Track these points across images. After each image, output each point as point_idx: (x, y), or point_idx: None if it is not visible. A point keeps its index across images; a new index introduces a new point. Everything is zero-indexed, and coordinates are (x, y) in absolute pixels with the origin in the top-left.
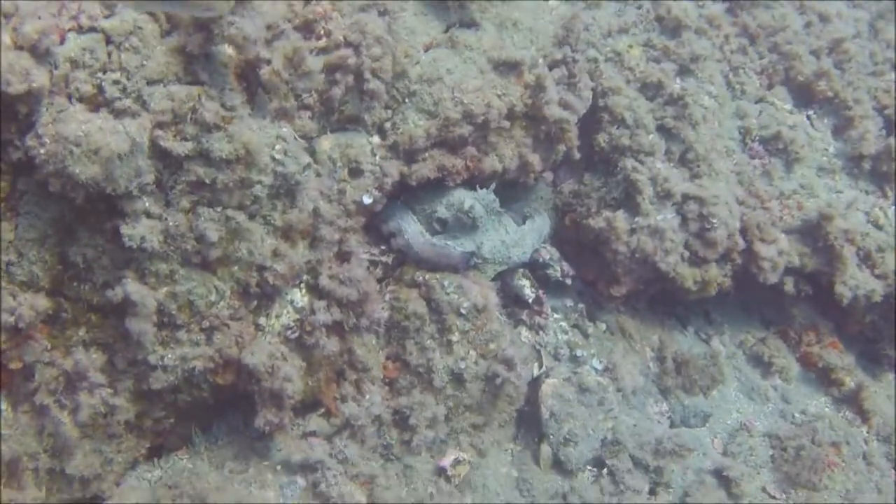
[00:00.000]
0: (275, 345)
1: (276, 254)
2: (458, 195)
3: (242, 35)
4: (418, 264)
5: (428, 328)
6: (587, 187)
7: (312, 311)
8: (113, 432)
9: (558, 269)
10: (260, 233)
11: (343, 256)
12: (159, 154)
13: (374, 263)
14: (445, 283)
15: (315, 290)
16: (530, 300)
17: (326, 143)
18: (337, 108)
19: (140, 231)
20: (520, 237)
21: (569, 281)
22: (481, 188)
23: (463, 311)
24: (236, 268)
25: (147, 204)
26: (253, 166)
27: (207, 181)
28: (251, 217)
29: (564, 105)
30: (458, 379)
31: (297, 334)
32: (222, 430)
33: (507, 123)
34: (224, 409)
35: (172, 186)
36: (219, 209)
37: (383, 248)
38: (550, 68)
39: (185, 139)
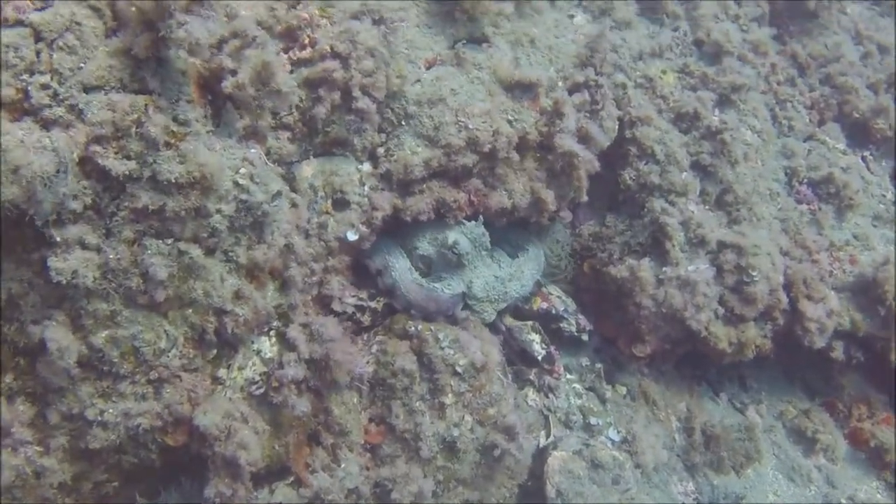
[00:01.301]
0: (236, 402)
1: (238, 296)
2: (441, 230)
3: (191, 39)
4: (407, 309)
5: (418, 388)
6: (610, 230)
7: (281, 365)
8: (44, 496)
9: (573, 322)
10: (219, 271)
11: (324, 301)
12: (98, 174)
13: (360, 309)
14: (440, 335)
15: (286, 341)
16: (540, 357)
17: (308, 170)
18: (321, 129)
19: (72, 264)
20: (515, 269)
21: (585, 337)
22: (469, 221)
23: (459, 370)
24: (190, 311)
25: (81, 232)
26: (211, 192)
27: (154, 208)
28: (208, 252)
29: (583, 136)
30: (450, 448)
31: (262, 390)
32: (173, 497)
33: (517, 156)
34: (177, 473)
35: (114, 213)
36: (169, 241)
37: (372, 291)
38: (571, 93)
39: (128, 157)
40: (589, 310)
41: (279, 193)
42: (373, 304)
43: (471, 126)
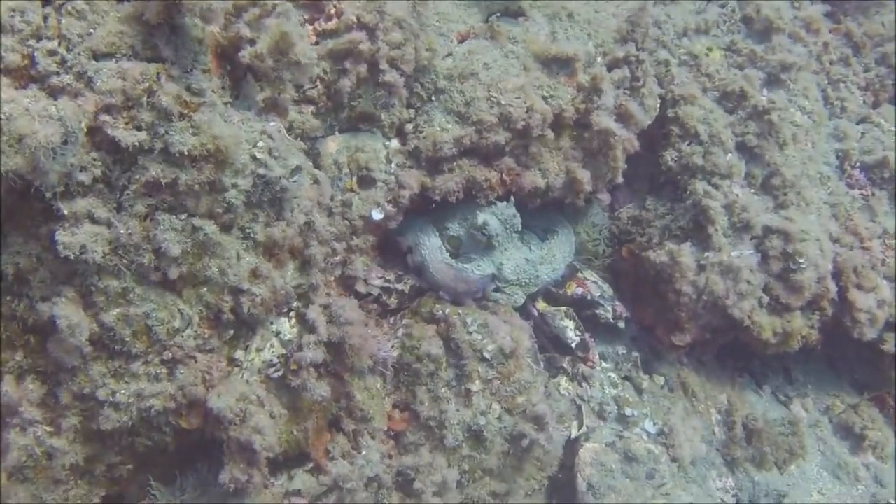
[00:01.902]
0: (254, 384)
1: (255, 275)
2: (473, 210)
3: (205, 5)
4: (434, 289)
5: (444, 374)
6: (650, 213)
7: (300, 347)
8: (57, 477)
9: (609, 309)
10: (235, 248)
11: (347, 282)
12: (107, 145)
13: (387, 291)
14: (469, 319)
15: (306, 322)
16: (574, 345)
17: (333, 145)
18: (346, 103)
19: (80, 239)
20: (547, 252)
21: (622, 324)
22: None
23: (487, 356)
24: (205, 289)
25: (90, 206)
26: (226, 166)
27: (166, 181)
28: (224, 229)
29: (623, 114)
30: (476, 437)
31: (280, 373)
32: (189, 482)
33: (552, 134)
34: (193, 457)
35: (125, 186)
36: (182, 217)
37: (399, 273)
38: (610, 69)
39: (139, 128)
40: (627, 296)
41: (299, 168)
42: (399, 287)
43: (503, 102)
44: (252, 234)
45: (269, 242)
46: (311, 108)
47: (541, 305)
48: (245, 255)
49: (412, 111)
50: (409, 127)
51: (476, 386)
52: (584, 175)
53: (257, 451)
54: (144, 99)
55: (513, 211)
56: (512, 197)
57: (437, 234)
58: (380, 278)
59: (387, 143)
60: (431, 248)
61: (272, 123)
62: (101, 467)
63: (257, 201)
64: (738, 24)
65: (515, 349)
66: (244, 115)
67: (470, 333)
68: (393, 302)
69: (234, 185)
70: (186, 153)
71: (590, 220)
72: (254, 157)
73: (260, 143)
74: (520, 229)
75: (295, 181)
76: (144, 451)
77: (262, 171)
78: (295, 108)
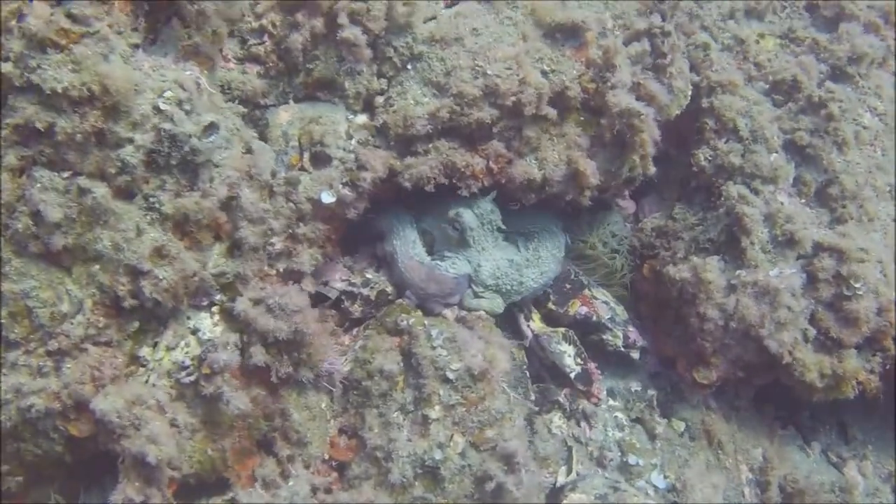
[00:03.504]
0: (159, 389)
1: (159, 254)
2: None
3: None
4: (402, 287)
5: (399, 395)
6: (677, 223)
7: (215, 347)
8: None
9: (620, 334)
10: (135, 220)
11: (293, 277)
12: None
13: (350, 297)
14: (434, 332)
15: (232, 318)
16: (573, 375)
17: (285, 116)
18: (301, 65)
19: None
20: (532, 254)
21: (635, 354)
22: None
23: (450, 376)
24: (97, 267)
25: None
26: (119, 115)
27: (41, 127)
28: (121, 194)
29: (642, 97)
30: (432, 474)
31: (193, 378)
32: (93, 499)
33: (553, 112)
34: (101, 472)
35: None
36: (65, 175)
37: (368, 276)
38: (628, 43)
39: (7, 59)
40: (648, 323)
41: (214, 127)
42: (365, 292)
43: (490, 72)
44: (157, 205)
45: (180, 216)
46: (257, 67)
47: (537, 324)
48: (148, 230)
49: (384, 81)
50: (380, 100)
51: (435, 412)
52: (587, 166)
53: (155, 466)
54: (14, 23)
55: (490, 206)
56: (494, 190)
57: (415, 225)
58: (343, 280)
59: (351, 116)
60: (405, 238)
61: (188, 73)
62: None
63: (164, 164)
64: (800, 12)
65: (487, 371)
66: (157, 62)
67: (434, 348)
68: (356, 309)
69: (131, 141)
70: (62, 93)
71: (607, 229)
72: (157, 109)
73: (168, 93)
74: (502, 227)
75: (210, 142)
76: (34, 461)
77: (167, 125)
78: (238, 67)
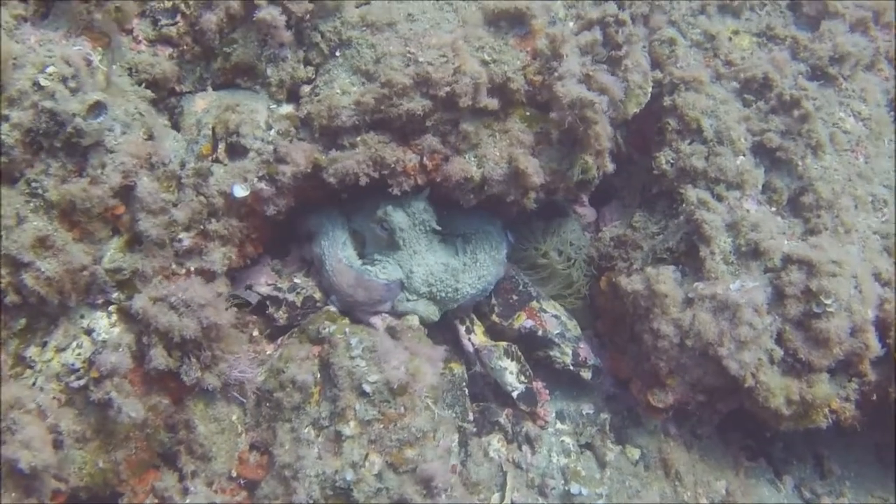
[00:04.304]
0: (50, 392)
1: (43, 244)
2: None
3: None
4: (328, 292)
5: (312, 409)
6: (637, 233)
7: (104, 348)
8: None
9: (569, 351)
10: (15, 206)
11: (204, 278)
12: None
13: (275, 302)
14: (353, 340)
15: (131, 318)
16: (515, 394)
17: (202, 104)
18: (218, 48)
19: None
20: (470, 257)
21: (586, 374)
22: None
23: (367, 389)
24: None
25: None
26: None
27: None
28: None
29: (596, 89)
30: (344, 496)
31: (83, 382)
32: None
33: (493, 104)
34: None
35: None
36: None
37: (297, 281)
38: (579, 33)
39: None
40: (603, 341)
41: (100, 106)
42: (291, 297)
43: (422, 59)
44: (41, 191)
45: (66, 204)
46: (169, 49)
47: (479, 338)
48: (31, 218)
49: (311, 69)
50: (306, 89)
51: (350, 429)
52: (529, 164)
53: (31, 475)
54: None
55: (423, 205)
56: (427, 189)
57: (346, 226)
58: (269, 285)
59: (274, 106)
60: (334, 239)
61: (77, 48)
62: None
63: (49, 147)
64: (782, 11)
65: (409, 384)
66: (45, 36)
67: (352, 358)
68: (282, 316)
69: (6, 118)
70: None
71: (564, 237)
72: (37, 85)
73: (50, 69)
74: (435, 227)
75: (98, 123)
76: None
77: (47, 103)
78: (148, 50)
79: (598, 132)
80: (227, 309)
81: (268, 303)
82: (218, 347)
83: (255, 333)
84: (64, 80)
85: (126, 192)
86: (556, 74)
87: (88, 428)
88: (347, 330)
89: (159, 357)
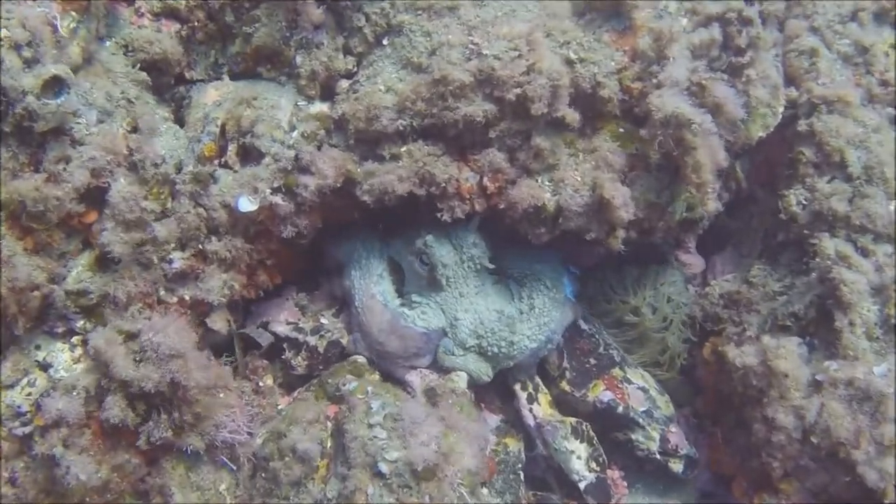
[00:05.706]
0: None
1: None
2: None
3: None
4: (356, 339)
5: (315, 486)
6: (754, 290)
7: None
8: None
9: (656, 435)
10: None
11: (197, 309)
12: None
13: (294, 346)
14: (375, 404)
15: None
16: (583, 485)
17: (214, 94)
18: (236, 28)
19: None
20: (526, 304)
21: (678, 466)
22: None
23: (383, 469)
24: None
25: None
26: None
27: None
28: None
29: (707, 104)
30: None
31: (29, 430)
32: None
33: (574, 116)
34: None
35: None
36: None
37: (323, 320)
38: (694, 31)
39: None
40: (704, 426)
41: (60, 83)
42: (312, 341)
43: (486, 52)
44: None
45: (15, 205)
46: (176, 25)
47: (543, 408)
48: None
49: (352, 60)
50: (344, 84)
51: None
52: (616, 193)
53: None
54: None
55: (473, 237)
56: (477, 218)
57: (383, 254)
58: (290, 323)
59: (302, 102)
60: (368, 270)
61: (40, 9)
62: None
63: None
64: None
65: (438, 467)
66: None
67: (370, 427)
68: (300, 364)
69: None
70: None
71: (661, 290)
72: None
73: (3, 32)
74: (487, 265)
75: (56, 105)
76: None
77: None
78: (152, 25)
79: (699, 161)
80: (221, 356)
81: (285, 346)
82: (189, 410)
83: (268, 382)
84: (17, 47)
85: (101, 196)
86: (655, 81)
87: (35, 487)
88: (370, 389)
89: (114, 407)
